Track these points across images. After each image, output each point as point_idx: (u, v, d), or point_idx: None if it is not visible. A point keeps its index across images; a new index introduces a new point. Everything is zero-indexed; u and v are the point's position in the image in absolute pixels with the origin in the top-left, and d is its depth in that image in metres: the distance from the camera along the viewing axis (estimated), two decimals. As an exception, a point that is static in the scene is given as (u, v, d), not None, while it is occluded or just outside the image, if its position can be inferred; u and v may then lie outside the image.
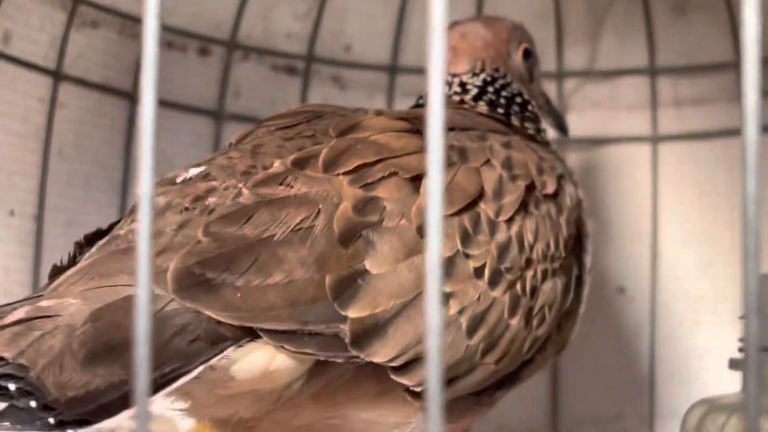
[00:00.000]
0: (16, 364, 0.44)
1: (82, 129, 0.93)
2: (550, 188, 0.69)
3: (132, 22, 0.95)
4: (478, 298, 0.61)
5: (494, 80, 0.83)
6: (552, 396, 1.07)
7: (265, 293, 0.52)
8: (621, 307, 1.07)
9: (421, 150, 0.62)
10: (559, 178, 0.72)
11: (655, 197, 1.06)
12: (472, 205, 0.62)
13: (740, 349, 0.55)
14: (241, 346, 0.52)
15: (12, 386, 0.44)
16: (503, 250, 0.63)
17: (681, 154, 1.06)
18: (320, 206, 0.57)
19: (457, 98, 0.82)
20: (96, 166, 0.94)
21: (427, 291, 0.31)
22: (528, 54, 0.87)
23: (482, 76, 0.83)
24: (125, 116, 0.96)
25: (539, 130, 0.84)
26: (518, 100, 0.83)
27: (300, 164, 0.60)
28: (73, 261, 0.60)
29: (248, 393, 0.56)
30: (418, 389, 0.58)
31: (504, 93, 0.82)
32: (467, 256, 0.61)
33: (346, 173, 0.60)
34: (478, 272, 0.61)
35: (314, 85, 1.06)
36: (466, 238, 0.61)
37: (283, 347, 0.53)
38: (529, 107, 0.84)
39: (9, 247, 0.86)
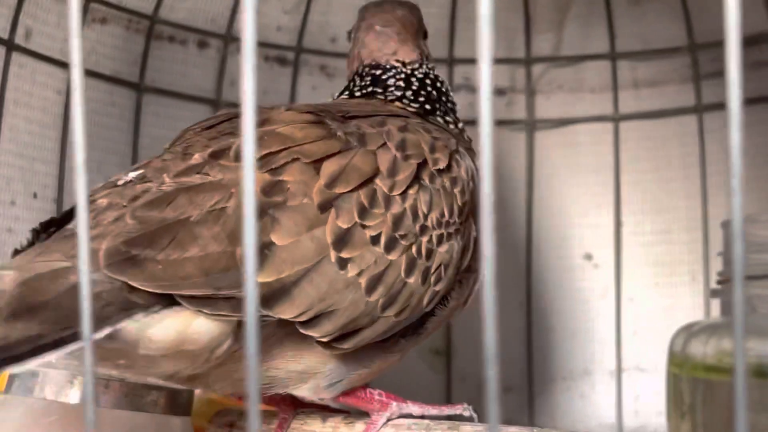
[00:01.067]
0: None
1: (93, 118, 1.00)
2: (442, 164, 0.76)
3: (137, 17, 1.03)
4: (375, 261, 0.69)
5: (429, 73, 0.88)
6: (526, 356, 1.15)
7: (183, 265, 0.60)
8: (588, 273, 1.15)
9: (321, 138, 0.71)
10: (453, 154, 0.78)
11: (617, 171, 1.14)
12: (367, 182, 0.70)
13: (719, 282, 0.64)
14: (156, 312, 0.60)
15: None
16: (398, 220, 0.71)
17: (640, 132, 1.14)
18: (232, 190, 0.65)
19: (398, 93, 0.86)
20: (107, 152, 1.02)
21: (485, 308, 0.37)
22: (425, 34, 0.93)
23: (424, 68, 0.89)
24: (132, 105, 1.04)
25: (456, 121, 0.89)
26: (444, 98, 0.88)
27: (216, 156, 0.68)
28: (31, 245, 0.67)
29: (178, 353, 0.63)
30: (324, 340, 0.67)
31: (438, 86, 0.88)
32: (364, 226, 0.69)
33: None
34: (375, 240, 0.69)
35: (303, 74, 1.13)
36: (362, 212, 0.69)
37: (200, 311, 0.61)
38: (450, 98, 0.89)
39: (34, 228, 0.93)
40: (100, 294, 0.57)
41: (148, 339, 0.61)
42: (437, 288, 0.74)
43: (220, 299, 0.61)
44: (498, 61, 1.16)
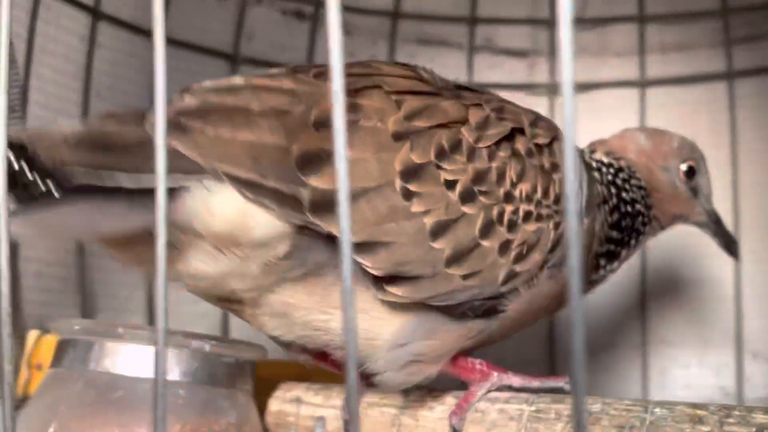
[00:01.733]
0: (24, 145, 0.56)
1: (116, 70, 0.93)
2: (542, 140, 0.72)
3: (158, -38, 0.95)
4: (446, 206, 0.65)
5: (619, 171, 0.85)
6: (548, 329, 1.12)
7: (233, 144, 0.60)
8: (612, 243, 1.12)
9: (409, 77, 0.68)
10: (555, 139, 0.74)
11: (642, 138, 1.11)
12: (452, 126, 0.67)
13: None
14: (222, 182, 0.60)
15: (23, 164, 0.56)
16: (480, 174, 0.67)
17: (667, 98, 1.11)
18: (302, 98, 0.63)
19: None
20: (128, 107, 0.94)
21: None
22: (692, 172, 0.89)
23: (615, 165, 0.85)
24: (152, 58, 0.95)
25: (624, 241, 0.87)
26: (625, 201, 0.84)
27: (295, 71, 0.66)
28: None
29: (231, 242, 0.61)
30: (377, 273, 0.63)
31: (617, 182, 0.84)
32: (439, 167, 0.65)
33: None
34: (450, 184, 0.65)
35: (322, 30, 1.07)
36: (440, 153, 0.66)
37: (241, 191, 0.60)
38: (636, 221, 0.86)
39: (59, 186, 0.85)
40: (174, 149, 0.58)
41: (208, 211, 0.60)
42: (517, 267, 0.69)
43: (264, 188, 0.60)
44: (520, 21, 1.12)
